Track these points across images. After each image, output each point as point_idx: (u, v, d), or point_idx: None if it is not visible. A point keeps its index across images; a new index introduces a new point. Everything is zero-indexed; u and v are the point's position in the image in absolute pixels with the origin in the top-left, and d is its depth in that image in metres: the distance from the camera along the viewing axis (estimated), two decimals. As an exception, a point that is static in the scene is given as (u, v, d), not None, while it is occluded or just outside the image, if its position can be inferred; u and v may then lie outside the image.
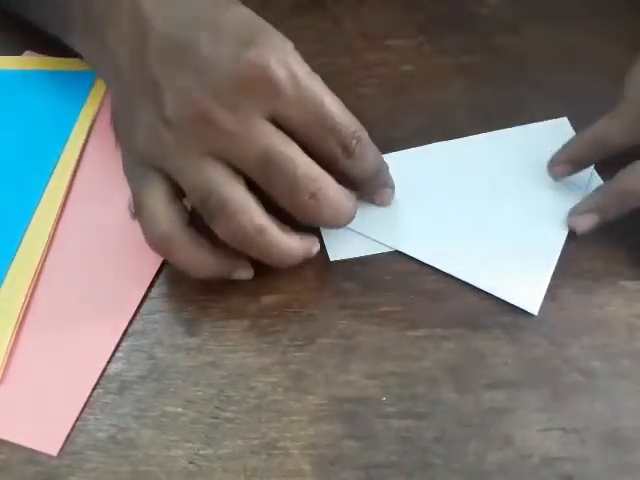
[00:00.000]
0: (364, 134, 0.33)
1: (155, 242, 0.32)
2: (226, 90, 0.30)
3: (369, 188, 0.36)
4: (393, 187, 0.36)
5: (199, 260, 0.32)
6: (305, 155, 0.31)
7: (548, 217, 0.37)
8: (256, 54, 0.30)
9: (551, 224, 0.36)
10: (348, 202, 0.33)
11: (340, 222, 0.33)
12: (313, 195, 0.31)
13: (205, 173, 0.31)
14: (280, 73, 0.30)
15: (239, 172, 0.31)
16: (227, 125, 0.30)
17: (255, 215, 0.31)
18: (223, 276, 0.33)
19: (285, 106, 0.30)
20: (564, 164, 0.37)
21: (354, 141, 0.32)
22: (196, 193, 0.31)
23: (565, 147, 0.38)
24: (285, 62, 0.30)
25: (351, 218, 0.33)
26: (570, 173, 0.37)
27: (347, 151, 0.32)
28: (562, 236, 0.36)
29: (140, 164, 0.32)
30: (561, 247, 0.35)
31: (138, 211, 0.32)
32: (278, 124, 0.31)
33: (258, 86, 0.30)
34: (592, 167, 0.39)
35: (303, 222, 0.32)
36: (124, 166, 0.34)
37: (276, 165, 0.30)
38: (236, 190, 0.31)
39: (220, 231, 0.31)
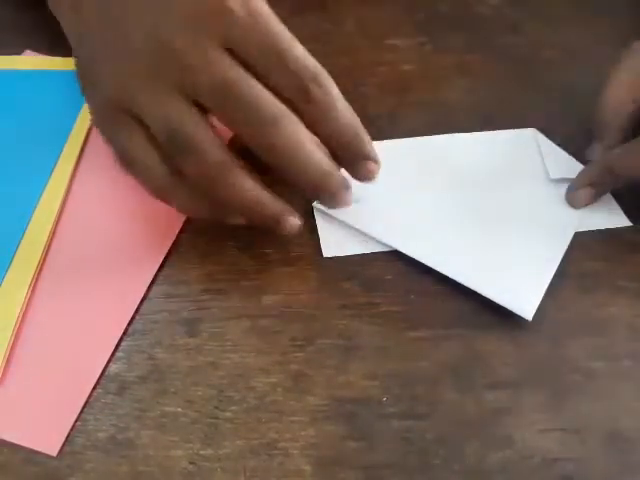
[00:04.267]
0: (329, 82, 0.31)
1: (152, 191, 0.33)
2: (186, 20, 0.30)
3: (346, 158, 0.33)
4: (378, 163, 0.33)
5: (201, 202, 0.33)
6: (264, 89, 0.30)
7: (551, 224, 0.37)
8: None
9: (553, 231, 0.36)
10: (316, 151, 0.31)
11: (306, 166, 0.31)
12: (271, 125, 0.30)
13: (170, 110, 0.30)
14: (236, 3, 0.30)
15: (204, 108, 0.31)
16: (186, 56, 0.30)
17: (219, 152, 0.30)
18: (223, 218, 0.33)
19: (239, 32, 0.30)
20: (585, 188, 0.37)
21: (315, 84, 0.30)
22: (161, 131, 0.31)
23: (583, 173, 0.38)
24: None
25: (324, 172, 0.31)
26: (593, 197, 0.37)
27: (305, 93, 0.30)
28: (564, 244, 0.36)
29: (110, 110, 0.32)
30: (562, 255, 0.35)
31: (126, 164, 0.32)
32: (239, 58, 0.30)
33: (213, 8, 0.30)
34: None
35: (267, 161, 0.31)
36: (94, 119, 0.34)
37: (232, 95, 0.30)
38: (200, 128, 0.30)
39: (186, 169, 0.31)
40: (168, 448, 0.29)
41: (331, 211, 0.36)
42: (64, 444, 0.29)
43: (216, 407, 0.30)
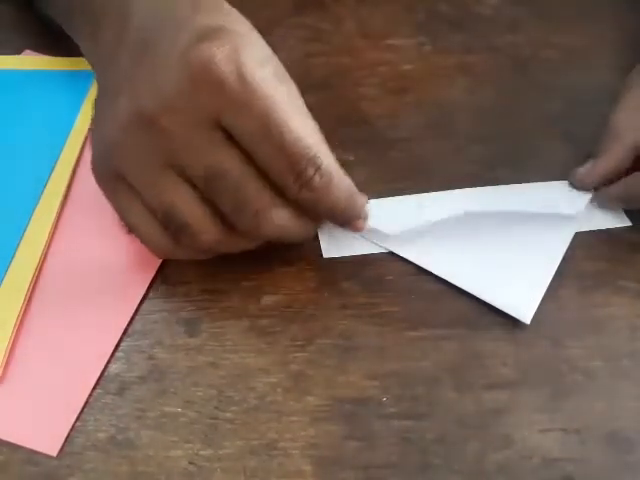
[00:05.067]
0: (328, 160, 0.29)
1: (160, 255, 0.33)
2: (174, 91, 0.27)
3: (335, 222, 0.32)
4: (366, 217, 0.32)
5: (205, 255, 0.33)
6: (254, 176, 0.29)
7: (550, 225, 0.37)
8: (204, 48, 0.27)
9: (552, 233, 0.36)
10: (298, 225, 0.31)
11: (290, 239, 0.32)
12: (255, 217, 0.29)
13: (162, 188, 0.29)
14: (226, 69, 0.26)
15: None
16: (172, 136, 0.28)
17: (213, 231, 0.30)
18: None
19: (230, 108, 0.27)
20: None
21: (311, 169, 0.28)
22: (156, 209, 0.30)
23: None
24: (236, 59, 0.27)
25: (307, 237, 0.32)
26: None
27: (300, 180, 0.28)
28: (563, 245, 0.36)
29: (108, 174, 0.31)
30: (561, 256, 0.35)
31: (130, 230, 0.32)
32: (230, 134, 0.28)
33: (202, 82, 0.27)
34: None
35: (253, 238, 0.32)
36: (95, 176, 0.32)
37: (219, 184, 0.28)
38: (193, 207, 0.29)
39: (184, 243, 0.31)
40: (168, 448, 0.29)
41: None
42: (64, 444, 0.29)
43: (216, 407, 0.30)
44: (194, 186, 0.29)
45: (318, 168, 0.28)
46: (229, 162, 0.28)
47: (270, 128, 0.27)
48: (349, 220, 0.31)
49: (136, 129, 0.29)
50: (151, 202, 0.30)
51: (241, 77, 0.26)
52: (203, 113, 0.27)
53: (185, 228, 0.30)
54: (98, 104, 0.33)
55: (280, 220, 0.30)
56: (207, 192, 0.29)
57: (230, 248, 0.32)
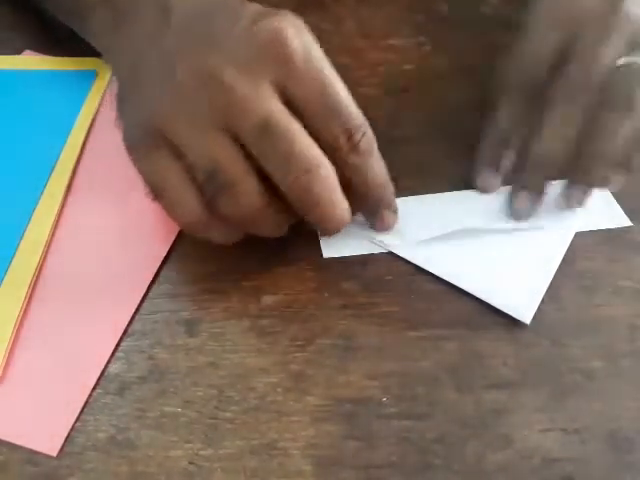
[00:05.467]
0: (369, 131, 0.32)
1: (185, 226, 0.33)
2: (239, 54, 0.30)
3: (371, 205, 0.34)
4: (396, 212, 0.35)
5: (233, 235, 0.33)
6: (306, 134, 0.30)
7: (550, 225, 0.37)
8: (273, 21, 0.30)
9: (552, 233, 0.36)
10: (343, 201, 0.31)
11: (330, 215, 0.31)
12: (306, 173, 0.29)
13: (213, 147, 0.30)
14: (295, 42, 0.30)
15: (243, 146, 0.30)
16: (234, 88, 0.29)
17: (257, 199, 0.30)
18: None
19: (295, 76, 0.30)
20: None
21: (359, 134, 0.31)
22: (203, 167, 0.30)
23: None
24: (301, 36, 0.30)
25: (343, 222, 0.32)
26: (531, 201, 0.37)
27: (351, 141, 0.31)
28: (563, 246, 0.36)
29: (146, 140, 0.31)
30: (561, 257, 0.35)
31: (158, 195, 0.32)
32: (286, 101, 0.30)
33: (271, 50, 0.30)
34: None
35: (295, 206, 0.31)
36: (128, 146, 0.33)
37: (273, 136, 0.29)
38: (241, 170, 0.30)
39: (222, 208, 0.31)
40: (168, 448, 0.29)
41: None
42: (64, 444, 0.29)
43: (216, 407, 0.30)
44: (242, 148, 0.30)
45: (364, 134, 0.31)
46: (284, 116, 0.30)
47: (329, 96, 0.30)
48: (381, 200, 0.34)
49: (196, 87, 0.30)
50: (197, 161, 0.30)
51: (307, 51, 0.30)
52: (267, 77, 0.30)
53: (229, 188, 0.30)
54: (135, 81, 0.33)
55: (329, 180, 0.30)
56: (258, 148, 0.30)
57: (264, 222, 0.32)
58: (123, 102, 0.34)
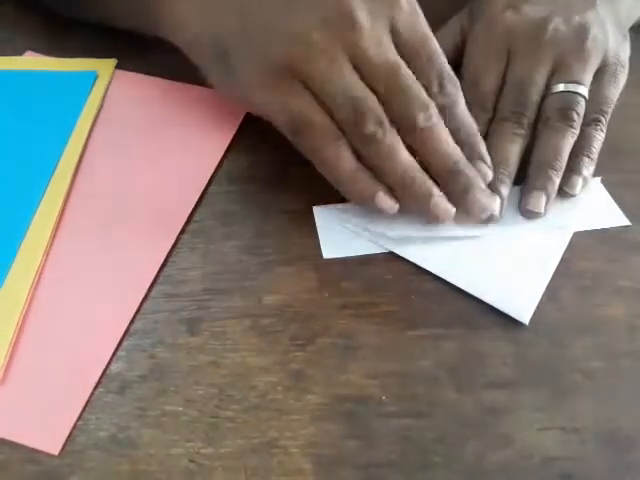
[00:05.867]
0: (458, 83, 0.36)
1: (327, 151, 0.35)
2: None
3: (466, 154, 0.35)
4: (491, 169, 0.36)
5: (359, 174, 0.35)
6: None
7: (549, 225, 0.37)
8: None
9: (551, 233, 0.36)
10: (457, 151, 0.35)
11: (442, 151, 0.35)
12: (422, 106, 0.34)
13: (348, 79, 0.33)
14: None
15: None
16: (363, 31, 0.33)
17: (388, 128, 0.34)
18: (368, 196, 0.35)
19: (402, 23, 0.35)
20: None
21: (446, 78, 0.35)
22: (340, 97, 0.33)
23: None
24: None
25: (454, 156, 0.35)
26: None
27: (441, 80, 0.35)
28: (562, 245, 0.36)
29: (273, 74, 0.34)
30: (560, 256, 0.35)
31: (305, 125, 0.34)
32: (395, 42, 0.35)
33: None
34: (599, 179, 0.39)
35: (409, 141, 0.35)
36: (259, 85, 0.35)
37: (400, 79, 0.34)
38: (373, 104, 0.33)
39: (362, 131, 0.33)
40: (169, 447, 0.29)
41: (331, 215, 0.37)
42: (65, 443, 0.29)
43: (217, 406, 0.30)
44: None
45: (452, 80, 0.36)
46: (401, 61, 0.34)
47: (427, 43, 0.35)
48: (475, 154, 0.36)
49: (326, 24, 0.33)
50: (336, 91, 0.33)
51: (412, 7, 0.35)
52: (386, 17, 0.34)
53: (370, 113, 0.33)
54: (249, 21, 0.36)
55: (437, 117, 0.35)
56: (383, 89, 0.34)
57: (390, 154, 0.34)
58: (235, 51, 0.36)
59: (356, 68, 0.34)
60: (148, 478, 0.28)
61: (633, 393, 0.31)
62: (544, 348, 0.32)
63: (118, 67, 0.46)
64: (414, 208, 0.36)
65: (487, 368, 0.31)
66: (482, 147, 0.36)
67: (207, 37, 0.37)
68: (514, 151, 0.38)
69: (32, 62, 0.46)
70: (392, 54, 0.34)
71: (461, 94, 0.36)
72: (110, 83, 0.45)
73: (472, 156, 0.36)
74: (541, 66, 0.39)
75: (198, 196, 0.38)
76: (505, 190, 0.37)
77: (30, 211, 0.37)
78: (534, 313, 0.33)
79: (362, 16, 0.34)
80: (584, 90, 0.39)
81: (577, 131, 0.38)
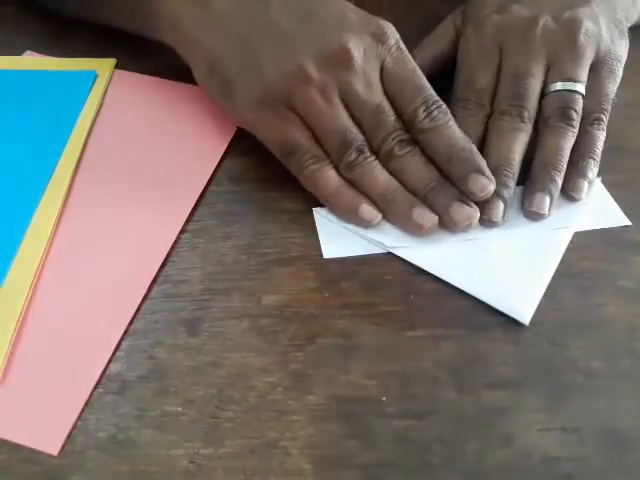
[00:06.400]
0: (445, 107, 0.37)
1: (312, 177, 0.37)
2: (359, 39, 0.37)
3: (459, 171, 0.36)
4: (491, 180, 0.36)
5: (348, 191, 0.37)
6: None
7: (549, 225, 0.37)
8: (379, 21, 0.38)
9: (551, 233, 0.36)
10: (433, 174, 0.36)
11: (419, 182, 0.36)
12: (401, 148, 0.36)
13: (338, 118, 0.36)
14: (392, 34, 0.38)
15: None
16: (359, 69, 0.36)
17: (369, 155, 0.36)
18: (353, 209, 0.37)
19: (392, 59, 0.37)
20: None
21: (433, 105, 0.36)
22: (332, 136, 0.36)
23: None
24: (395, 33, 0.38)
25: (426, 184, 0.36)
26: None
27: (427, 111, 0.36)
28: (562, 245, 0.36)
29: (269, 104, 0.36)
30: (560, 257, 0.35)
31: (293, 150, 0.37)
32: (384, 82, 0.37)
33: (379, 39, 0.37)
34: (599, 179, 0.39)
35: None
36: (253, 111, 0.37)
37: (381, 117, 0.36)
38: (357, 137, 0.36)
39: (338, 161, 0.36)
40: (169, 447, 0.29)
41: (331, 216, 0.37)
42: (65, 443, 0.29)
43: (216, 406, 0.30)
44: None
45: (440, 106, 0.37)
46: (385, 103, 0.37)
47: (414, 75, 0.37)
48: (466, 162, 0.36)
49: (328, 58, 0.36)
50: (324, 130, 0.36)
51: (398, 43, 0.38)
52: (377, 57, 0.37)
53: (353, 142, 0.36)
54: (241, 51, 0.38)
55: (412, 146, 0.37)
56: (368, 124, 0.37)
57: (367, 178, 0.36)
58: (230, 69, 0.38)
59: (345, 102, 0.36)
60: (148, 478, 0.28)
61: (633, 393, 0.31)
62: (544, 348, 0.32)
63: (118, 67, 0.46)
64: (398, 221, 0.36)
65: (487, 368, 0.31)
66: (479, 160, 0.36)
67: (206, 57, 0.39)
68: (516, 149, 0.37)
69: (32, 62, 0.46)
70: (378, 96, 0.36)
71: (450, 117, 0.37)
72: (110, 83, 0.45)
73: (470, 170, 0.36)
74: (536, 60, 0.39)
75: (198, 196, 0.38)
76: (508, 194, 0.37)
77: (29, 211, 0.37)
78: (534, 313, 0.33)
79: (357, 56, 0.36)
80: (581, 87, 0.39)
81: (577, 129, 0.38)
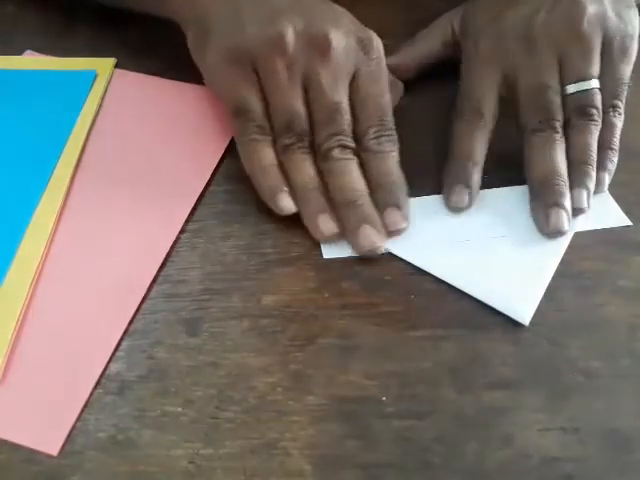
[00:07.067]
0: (396, 139, 0.37)
1: (249, 146, 0.37)
2: (343, 33, 0.37)
3: (381, 200, 0.36)
4: (406, 221, 0.36)
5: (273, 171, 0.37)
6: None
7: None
8: (371, 33, 0.38)
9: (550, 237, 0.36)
10: (362, 189, 0.36)
11: (348, 192, 0.36)
12: (342, 152, 0.36)
13: (293, 100, 0.36)
14: (377, 49, 0.38)
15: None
16: (332, 63, 0.36)
17: (306, 146, 0.37)
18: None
19: (368, 71, 0.37)
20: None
21: (387, 132, 0.37)
22: (282, 115, 0.36)
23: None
24: (381, 50, 0.38)
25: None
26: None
27: (378, 133, 0.37)
28: (562, 246, 0.36)
29: (236, 59, 0.37)
30: (560, 257, 0.35)
31: (243, 111, 0.37)
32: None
33: (364, 44, 0.37)
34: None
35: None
36: (210, 63, 0.38)
37: (335, 116, 0.36)
38: (303, 124, 0.37)
39: (278, 139, 0.37)
40: (168, 448, 0.29)
41: None
42: (65, 444, 0.29)
43: (216, 407, 0.30)
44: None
45: (390, 135, 0.37)
46: (345, 106, 0.37)
47: (382, 96, 0.38)
48: (390, 201, 0.36)
49: (305, 45, 0.36)
50: (280, 102, 0.36)
51: (379, 59, 0.38)
52: (354, 62, 0.37)
53: (297, 127, 0.36)
54: (231, 10, 0.38)
55: (352, 155, 0.37)
56: (320, 116, 0.37)
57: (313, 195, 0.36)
58: (215, 26, 0.38)
59: (307, 88, 0.37)
60: (147, 479, 0.28)
61: (633, 393, 0.31)
62: (544, 348, 0.32)
63: (117, 66, 0.46)
64: (304, 217, 0.36)
65: (487, 368, 0.31)
66: (402, 197, 0.36)
67: (198, 15, 0.39)
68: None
69: (31, 61, 0.46)
70: (340, 96, 0.36)
71: (396, 150, 0.37)
72: (109, 82, 0.45)
73: (391, 202, 0.36)
74: (546, 67, 0.38)
75: (197, 195, 0.38)
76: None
77: (30, 209, 0.37)
78: (534, 313, 0.33)
79: (337, 49, 0.36)
80: (595, 82, 0.38)
81: (600, 121, 0.38)
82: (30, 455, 0.28)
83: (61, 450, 0.29)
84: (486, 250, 0.36)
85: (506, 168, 0.39)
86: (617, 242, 0.36)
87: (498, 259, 0.35)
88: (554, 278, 0.34)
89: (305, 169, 0.36)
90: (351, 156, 0.37)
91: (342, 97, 0.37)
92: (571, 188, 0.37)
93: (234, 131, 0.38)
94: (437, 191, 0.38)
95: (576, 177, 0.37)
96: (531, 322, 0.33)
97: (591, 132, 0.38)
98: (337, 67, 0.36)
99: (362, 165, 0.37)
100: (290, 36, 0.36)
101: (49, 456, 0.28)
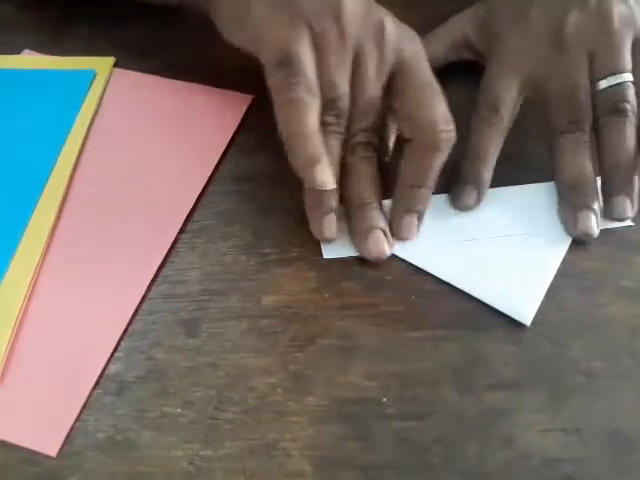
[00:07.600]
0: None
1: (295, 104, 0.33)
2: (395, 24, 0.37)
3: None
4: (420, 220, 0.36)
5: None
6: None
7: (550, 227, 0.36)
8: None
9: (552, 234, 0.36)
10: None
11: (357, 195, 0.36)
12: (366, 150, 0.36)
13: (343, 78, 0.35)
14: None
15: None
16: (384, 48, 0.36)
17: (338, 148, 0.35)
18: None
19: (371, 69, 0.35)
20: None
21: (370, 103, 0.36)
22: (330, 89, 0.35)
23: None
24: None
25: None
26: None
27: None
28: (563, 247, 0.36)
29: (290, 16, 0.34)
30: (561, 258, 0.35)
31: (291, 61, 0.34)
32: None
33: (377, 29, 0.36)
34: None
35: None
36: (257, 18, 0.35)
37: (370, 112, 0.36)
38: (347, 105, 0.36)
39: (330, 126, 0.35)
40: (168, 449, 0.29)
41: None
42: (63, 444, 0.29)
43: (216, 408, 0.30)
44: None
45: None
46: (381, 98, 0.36)
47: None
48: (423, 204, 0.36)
49: (360, 24, 0.35)
50: (328, 71, 0.35)
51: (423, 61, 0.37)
52: (394, 60, 0.36)
53: (342, 106, 0.35)
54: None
55: (369, 155, 0.36)
56: (360, 107, 0.36)
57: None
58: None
59: (352, 74, 0.35)
60: (147, 480, 0.28)
61: (635, 394, 0.31)
62: (545, 349, 0.32)
63: (116, 65, 0.46)
64: (309, 210, 0.36)
65: (488, 369, 0.31)
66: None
67: None
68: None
69: (30, 61, 0.46)
70: (378, 90, 0.36)
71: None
72: (108, 81, 0.45)
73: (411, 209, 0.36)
74: (576, 67, 0.38)
75: (197, 195, 0.38)
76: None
77: (28, 210, 0.37)
78: (535, 313, 0.33)
79: (391, 36, 0.36)
80: (628, 76, 0.38)
81: (635, 117, 0.37)
82: (29, 456, 0.28)
83: (60, 451, 0.29)
84: (487, 250, 0.35)
85: (509, 167, 0.39)
86: (619, 242, 0.36)
87: (499, 259, 0.35)
88: (556, 278, 0.34)
89: (334, 154, 0.35)
90: (373, 154, 0.36)
91: (379, 92, 0.36)
92: (608, 196, 0.36)
93: (273, 86, 0.34)
94: (437, 191, 0.38)
95: (614, 183, 0.36)
96: (533, 322, 0.33)
97: (626, 129, 0.37)
98: (383, 59, 0.35)
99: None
100: (350, 11, 0.35)
101: (48, 457, 0.28)
